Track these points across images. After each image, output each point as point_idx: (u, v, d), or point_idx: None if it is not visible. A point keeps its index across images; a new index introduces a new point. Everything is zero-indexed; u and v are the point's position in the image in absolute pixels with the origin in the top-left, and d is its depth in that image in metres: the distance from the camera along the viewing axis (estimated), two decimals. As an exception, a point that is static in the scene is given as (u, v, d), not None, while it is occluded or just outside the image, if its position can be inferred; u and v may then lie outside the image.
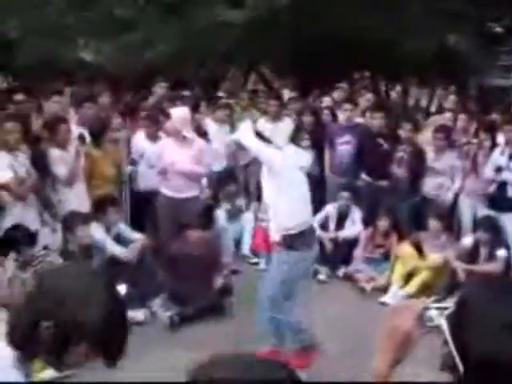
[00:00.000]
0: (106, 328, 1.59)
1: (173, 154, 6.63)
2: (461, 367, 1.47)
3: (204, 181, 7.27)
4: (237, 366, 1.23)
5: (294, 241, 4.67)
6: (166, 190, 6.75)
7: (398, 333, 1.72)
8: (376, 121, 7.74)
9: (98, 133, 6.82)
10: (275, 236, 4.80)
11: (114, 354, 1.69)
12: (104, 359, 1.67)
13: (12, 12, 12.17)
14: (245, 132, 4.75)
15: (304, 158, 5.01)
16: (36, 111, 6.96)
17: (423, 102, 11.87)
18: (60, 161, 6.33)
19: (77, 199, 6.37)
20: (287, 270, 4.70)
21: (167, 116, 6.83)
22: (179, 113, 6.66)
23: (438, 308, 1.68)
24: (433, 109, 10.55)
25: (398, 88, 13.41)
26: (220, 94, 9.84)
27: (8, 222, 5.54)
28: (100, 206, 6.38)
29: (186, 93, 9.72)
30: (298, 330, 4.86)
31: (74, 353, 1.62)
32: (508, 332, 1.39)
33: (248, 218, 7.84)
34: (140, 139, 7.36)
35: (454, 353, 1.50)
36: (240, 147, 5.07)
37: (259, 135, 4.70)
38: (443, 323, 1.58)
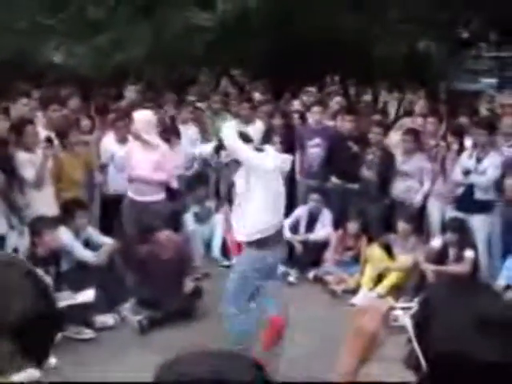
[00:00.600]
0: (29, 322, 1.37)
1: (136, 158, 6.64)
2: (424, 366, 1.48)
3: (175, 183, 7.26)
4: (204, 363, 1.21)
5: (258, 242, 4.70)
6: (131, 193, 6.73)
7: (363, 333, 1.73)
8: (346, 124, 7.78)
9: (66, 135, 6.75)
10: (239, 236, 4.83)
11: (39, 353, 1.44)
12: (29, 359, 1.41)
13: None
14: (228, 131, 4.78)
15: (285, 160, 5.01)
16: (2, 113, 6.85)
17: (393, 106, 11.97)
18: (27, 164, 6.25)
19: (45, 203, 6.29)
20: (244, 267, 4.80)
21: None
22: (141, 116, 6.63)
23: (403, 308, 1.69)
24: (402, 112, 10.65)
25: (368, 92, 13.51)
26: (191, 97, 9.80)
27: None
28: (68, 210, 6.30)
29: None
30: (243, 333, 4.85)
31: None
32: (470, 331, 1.41)
33: (218, 220, 7.81)
34: (109, 142, 7.31)
35: (418, 351, 1.51)
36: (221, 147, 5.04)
37: (242, 136, 4.74)
38: (407, 322, 1.59)
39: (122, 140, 7.25)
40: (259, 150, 4.81)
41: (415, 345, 1.52)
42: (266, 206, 4.68)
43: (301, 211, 7.60)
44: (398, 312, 1.76)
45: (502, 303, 1.51)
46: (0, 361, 1.35)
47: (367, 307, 1.85)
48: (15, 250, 5.62)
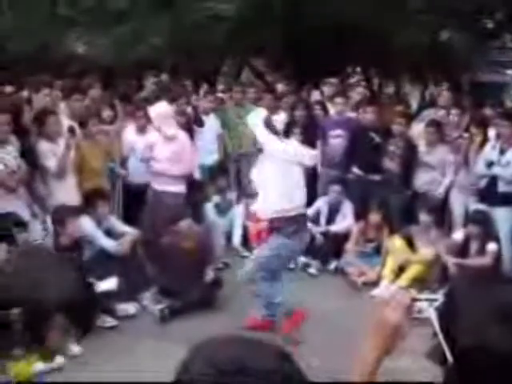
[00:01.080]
0: (76, 299, 1.61)
1: (156, 150, 6.76)
2: (450, 358, 1.47)
3: (196, 174, 7.30)
4: (231, 349, 1.20)
5: (284, 225, 4.93)
6: (154, 184, 6.80)
7: (386, 325, 1.71)
8: (368, 115, 7.73)
9: (87, 125, 6.79)
10: (263, 216, 5.02)
11: (85, 325, 1.74)
12: (77, 330, 1.72)
13: (3, 3, 12.11)
14: (255, 120, 4.90)
15: (310, 156, 5.14)
16: (26, 104, 6.90)
17: (415, 98, 11.88)
18: (50, 154, 6.30)
19: (67, 192, 6.34)
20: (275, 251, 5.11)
21: None
22: (157, 109, 6.69)
23: (427, 299, 1.67)
24: (425, 104, 10.55)
25: (391, 83, 13.41)
26: (212, 87, 9.79)
27: (-1, 213, 5.50)
28: (90, 200, 6.35)
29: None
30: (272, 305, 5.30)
31: (52, 328, 1.65)
32: (495, 324, 1.39)
33: (238, 211, 7.80)
34: (130, 132, 7.33)
35: (443, 344, 1.49)
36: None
37: (270, 127, 4.86)
38: (432, 315, 1.58)
39: (143, 130, 7.28)
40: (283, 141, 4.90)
41: (441, 338, 1.50)
42: (285, 194, 4.92)
43: (322, 202, 7.58)
44: (423, 303, 1.75)
45: None
46: (57, 330, 1.61)
47: (390, 298, 1.82)
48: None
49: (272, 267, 5.20)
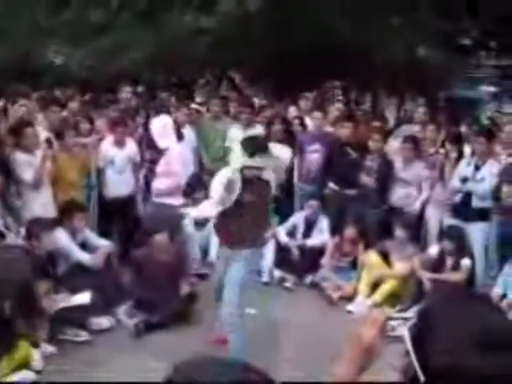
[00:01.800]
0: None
1: None
2: (422, 378, 1.47)
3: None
4: (211, 368, 1.22)
5: None
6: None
7: (360, 342, 1.73)
8: (344, 130, 7.78)
9: (63, 137, 6.76)
10: None
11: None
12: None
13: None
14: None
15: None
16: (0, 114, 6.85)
17: (391, 113, 12.00)
18: (26, 165, 6.24)
19: (42, 204, 6.29)
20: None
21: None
22: (157, 122, 6.75)
23: (400, 318, 1.69)
24: (401, 119, 10.66)
25: (368, 98, 13.54)
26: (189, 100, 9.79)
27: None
28: (66, 212, 6.30)
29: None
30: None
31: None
32: (468, 342, 1.40)
33: (216, 224, 7.78)
34: (108, 145, 7.30)
35: (415, 363, 1.50)
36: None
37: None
38: (405, 334, 1.59)
39: (121, 143, 7.26)
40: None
41: (413, 357, 1.51)
42: None
43: (298, 217, 7.61)
44: (395, 322, 1.76)
45: (502, 317, 1.50)
46: None
47: (365, 317, 1.85)
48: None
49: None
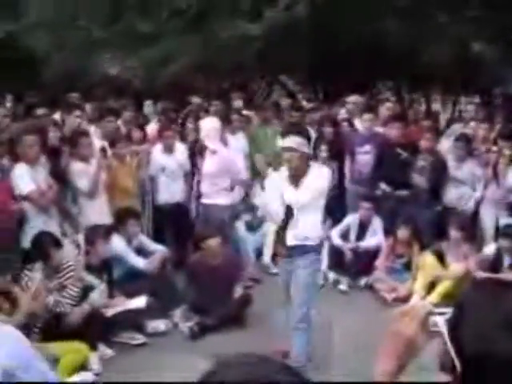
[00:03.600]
0: None
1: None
2: (458, 367, 1.48)
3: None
4: (241, 368, 1.24)
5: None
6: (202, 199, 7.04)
7: (400, 338, 1.72)
8: (394, 130, 7.72)
9: (116, 146, 6.92)
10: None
11: None
12: None
13: (41, 28, 12.42)
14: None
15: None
16: (54, 124, 7.05)
17: (445, 112, 11.80)
18: (82, 173, 6.42)
19: (98, 212, 6.45)
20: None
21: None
22: (205, 124, 6.83)
23: (441, 313, 1.69)
24: (454, 118, 10.49)
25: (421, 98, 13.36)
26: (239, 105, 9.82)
27: (32, 232, 5.61)
28: (121, 218, 6.45)
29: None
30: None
31: None
32: (499, 331, 1.41)
33: (269, 228, 7.82)
34: (158, 153, 7.44)
35: (452, 353, 1.51)
36: None
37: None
38: (442, 326, 1.59)
39: (170, 149, 7.39)
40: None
41: (449, 347, 1.52)
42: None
43: (351, 219, 7.57)
44: (437, 317, 1.75)
45: None
46: None
47: (406, 311, 1.83)
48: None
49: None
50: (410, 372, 1.72)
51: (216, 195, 6.88)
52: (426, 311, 1.77)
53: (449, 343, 1.52)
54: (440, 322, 1.62)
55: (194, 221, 7.29)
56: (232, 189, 7.14)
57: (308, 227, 4.81)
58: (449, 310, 1.68)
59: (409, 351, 1.73)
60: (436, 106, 14.35)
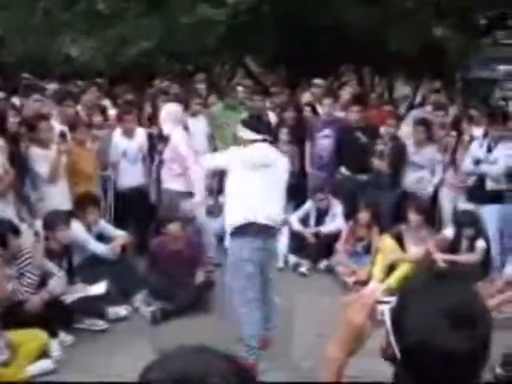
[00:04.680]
0: None
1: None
2: (398, 355, 1.53)
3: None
4: (176, 362, 1.24)
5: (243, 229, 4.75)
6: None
7: (350, 325, 1.77)
8: (353, 114, 7.78)
9: (76, 130, 6.84)
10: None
11: None
12: None
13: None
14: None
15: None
16: (13, 108, 6.92)
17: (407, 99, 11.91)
18: (42, 159, 6.33)
19: (59, 197, 6.39)
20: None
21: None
22: (165, 110, 6.81)
23: (390, 302, 1.73)
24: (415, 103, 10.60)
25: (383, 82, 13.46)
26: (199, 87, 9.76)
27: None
28: (80, 205, 6.39)
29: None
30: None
31: None
32: (439, 322, 1.45)
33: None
34: (118, 137, 7.38)
35: (393, 342, 1.55)
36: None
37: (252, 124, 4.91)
38: (385, 313, 1.64)
39: (130, 134, 7.34)
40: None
41: (390, 335, 1.57)
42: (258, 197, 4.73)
43: (310, 205, 7.62)
44: (386, 306, 1.79)
45: (472, 296, 1.54)
46: None
47: (355, 300, 1.87)
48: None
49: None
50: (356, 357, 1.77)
51: (173, 180, 6.85)
52: (374, 300, 1.81)
53: (391, 332, 1.56)
54: (385, 311, 1.67)
55: (156, 205, 7.28)
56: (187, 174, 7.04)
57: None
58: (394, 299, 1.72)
59: (356, 339, 1.78)
60: (405, 90, 14.46)
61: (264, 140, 4.88)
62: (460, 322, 1.43)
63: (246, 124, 4.95)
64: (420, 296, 1.54)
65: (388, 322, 1.60)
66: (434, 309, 1.47)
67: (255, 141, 4.82)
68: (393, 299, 1.76)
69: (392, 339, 1.55)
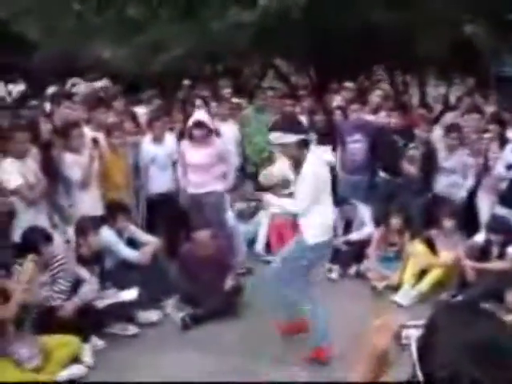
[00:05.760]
0: None
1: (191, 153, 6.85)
2: (421, 379, 1.52)
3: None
4: None
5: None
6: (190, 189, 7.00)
7: (375, 350, 1.77)
8: (391, 118, 7.75)
9: (110, 137, 6.90)
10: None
11: None
12: None
13: (32, 14, 12.35)
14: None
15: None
16: (46, 116, 7.02)
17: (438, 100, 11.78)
18: (74, 164, 6.41)
19: (91, 203, 6.47)
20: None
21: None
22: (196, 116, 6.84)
23: (415, 326, 1.73)
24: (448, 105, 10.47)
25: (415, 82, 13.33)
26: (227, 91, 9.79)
27: (22, 226, 5.63)
28: (111, 213, 6.44)
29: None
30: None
31: None
32: (470, 354, 1.44)
33: (264, 216, 7.83)
34: (148, 143, 7.43)
35: (419, 374, 1.55)
36: None
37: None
38: (413, 345, 1.63)
39: (160, 140, 7.39)
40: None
41: (417, 368, 1.56)
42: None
43: (337, 214, 7.53)
44: (411, 330, 1.78)
45: (500, 329, 1.53)
46: None
47: (380, 324, 1.88)
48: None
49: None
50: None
51: (206, 184, 6.87)
52: (400, 325, 1.81)
53: (417, 364, 1.56)
54: (412, 337, 1.67)
55: (186, 210, 7.30)
56: (224, 177, 7.08)
57: None
58: (422, 323, 1.71)
59: (381, 363, 1.78)
60: (439, 90, 14.30)
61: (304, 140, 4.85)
62: (487, 357, 1.42)
63: (278, 126, 4.90)
64: (448, 329, 1.52)
65: (414, 354, 1.59)
66: (461, 342, 1.45)
67: (297, 143, 4.77)
68: (418, 323, 1.76)
69: (417, 365, 1.55)
